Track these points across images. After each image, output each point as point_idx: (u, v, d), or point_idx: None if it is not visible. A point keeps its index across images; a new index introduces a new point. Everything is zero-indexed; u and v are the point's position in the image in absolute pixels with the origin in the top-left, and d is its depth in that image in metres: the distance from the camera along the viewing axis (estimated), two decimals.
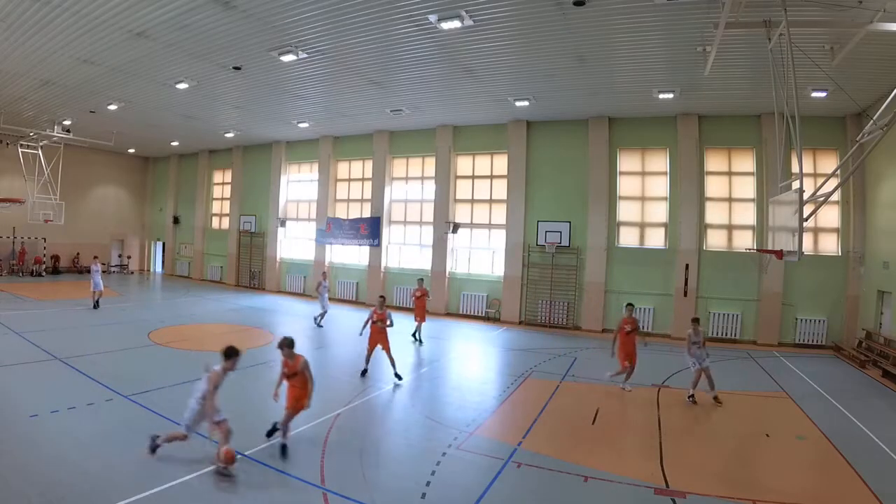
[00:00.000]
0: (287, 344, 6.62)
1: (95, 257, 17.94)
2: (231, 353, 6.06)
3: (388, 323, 9.98)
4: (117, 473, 5.45)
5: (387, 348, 9.93)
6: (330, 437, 6.93)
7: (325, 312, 15.81)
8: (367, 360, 10.15)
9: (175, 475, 5.45)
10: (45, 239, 26.52)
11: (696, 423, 8.37)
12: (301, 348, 14.15)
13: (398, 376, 9.89)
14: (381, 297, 10.51)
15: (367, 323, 10.07)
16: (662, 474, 6.21)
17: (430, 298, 14.65)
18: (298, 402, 6.47)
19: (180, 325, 14.89)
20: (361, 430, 7.33)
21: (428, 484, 5.70)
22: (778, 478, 6.32)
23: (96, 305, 16.39)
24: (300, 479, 5.66)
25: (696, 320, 9.82)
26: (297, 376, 6.54)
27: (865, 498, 5.78)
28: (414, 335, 13.95)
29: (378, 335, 9.96)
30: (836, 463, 6.80)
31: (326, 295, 15.94)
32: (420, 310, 13.97)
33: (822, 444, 7.46)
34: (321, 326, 15.54)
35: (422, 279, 15.44)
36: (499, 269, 18.95)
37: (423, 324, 14.03)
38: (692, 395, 9.31)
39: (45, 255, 26.74)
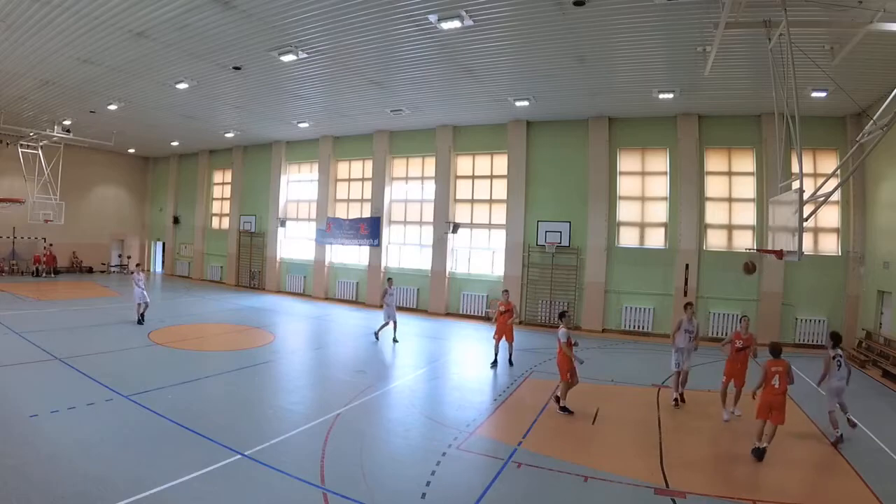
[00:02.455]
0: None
1: (138, 264, 17.26)
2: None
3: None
4: (117, 473, 5.45)
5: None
6: (330, 437, 6.93)
7: (386, 324, 13.81)
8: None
9: (175, 475, 5.45)
10: (45, 239, 26.52)
11: (696, 423, 8.36)
12: (301, 347, 14.23)
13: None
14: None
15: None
16: (662, 474, 6.21)
17: (515, 317, 12.07)
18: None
19: (180, 325, 14.89)
20: (361, 430, 7.33)
21: (428, 484, 5.70)
22: (778, 478, 6.32)
23: (140, 320, 14.24)
24: (300, 479, 5.65)
25: (689, 305, 9.26)
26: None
27: (865, 498, 5.78)
28: (496, 359, 11.78)
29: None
30: (836, 463, 6.81)
31: (394, 305, 13.98)
32: (502, 326, 11.66)
33: (822, 444, 7.45)
34: (397, 341, 13.72)
35: (507, 290, 12.92)
36: (499, 269, 18.94)
37: (512, 344, 11.91)
38: (677, 397, 9.10)
39: (44, 255, 26.71)
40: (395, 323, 13.84)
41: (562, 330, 8.56)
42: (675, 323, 9.31)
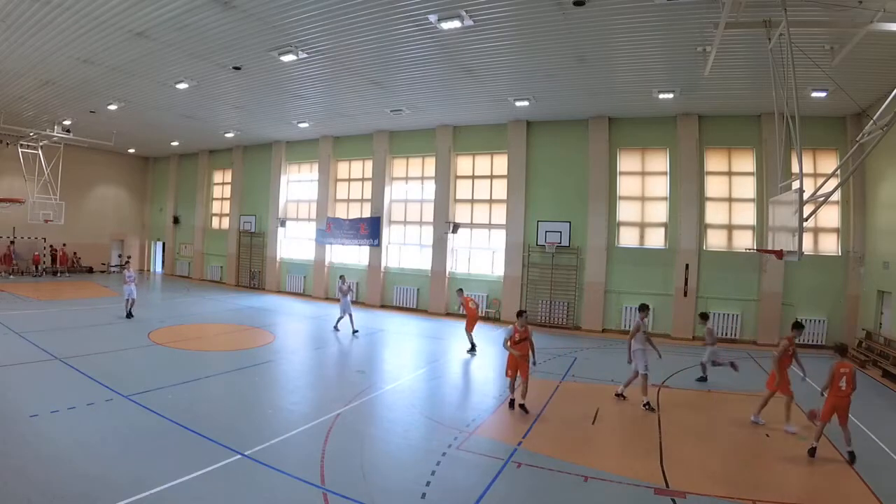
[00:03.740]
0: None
1: (128, 261, 17.46)
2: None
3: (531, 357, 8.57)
4: (117, 474, 5.45)
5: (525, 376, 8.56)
6: (330, 437, 6.93)
7: (342, 317, 14.94)
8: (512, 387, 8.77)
9: (175, 475, 5.45)
10: (45, 239, 26.52)
11: (696, 423, 8.36)
12: (301, 347, 14.25)
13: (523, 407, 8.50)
14: (522, 311, 8.70)
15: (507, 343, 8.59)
16: (662, 474, 6.21)
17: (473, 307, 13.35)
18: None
19: (180, 325, 14.89)
20: (361, 430, 7.33)
21: (428, 484, 5.70)
22: (778, 478, 6.32)
23: (129, 314, 14.95)
24: (300, 479, 5.65)
25: (647, 307, 9.51)
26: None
27: (865, 498, 5.78)
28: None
29: (520, 361, 8.53)
30: (836, 463, 6.80)
31: (346, 299, 14.94)
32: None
33: (822, 445, 7.44)
34: (338, 330, 15.01)
35: (461, 289, 14.53)
36: (499, 269, 18.94)
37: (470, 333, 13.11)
38: (622, 394, 9.41)
39: (44, 255, 26.72)
40: (350, 315, 14.80)
41: (509, 327, 8.61)
42: (634, 326, 9.27)
